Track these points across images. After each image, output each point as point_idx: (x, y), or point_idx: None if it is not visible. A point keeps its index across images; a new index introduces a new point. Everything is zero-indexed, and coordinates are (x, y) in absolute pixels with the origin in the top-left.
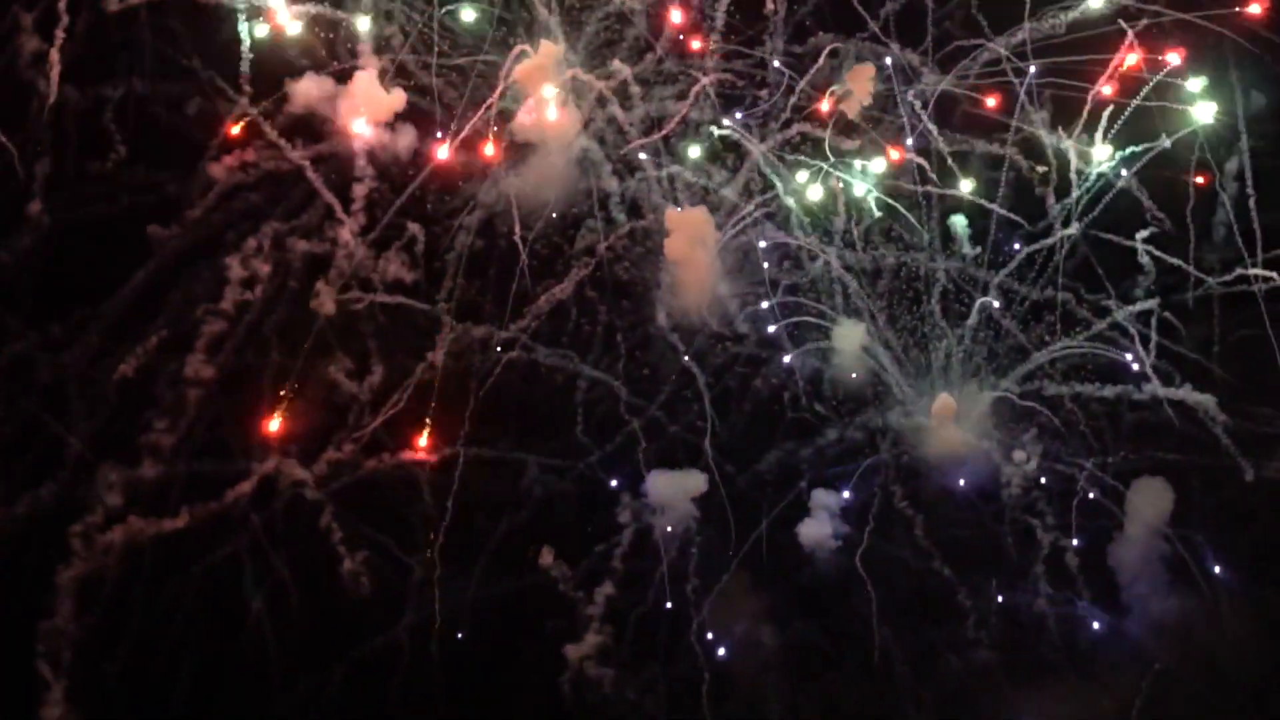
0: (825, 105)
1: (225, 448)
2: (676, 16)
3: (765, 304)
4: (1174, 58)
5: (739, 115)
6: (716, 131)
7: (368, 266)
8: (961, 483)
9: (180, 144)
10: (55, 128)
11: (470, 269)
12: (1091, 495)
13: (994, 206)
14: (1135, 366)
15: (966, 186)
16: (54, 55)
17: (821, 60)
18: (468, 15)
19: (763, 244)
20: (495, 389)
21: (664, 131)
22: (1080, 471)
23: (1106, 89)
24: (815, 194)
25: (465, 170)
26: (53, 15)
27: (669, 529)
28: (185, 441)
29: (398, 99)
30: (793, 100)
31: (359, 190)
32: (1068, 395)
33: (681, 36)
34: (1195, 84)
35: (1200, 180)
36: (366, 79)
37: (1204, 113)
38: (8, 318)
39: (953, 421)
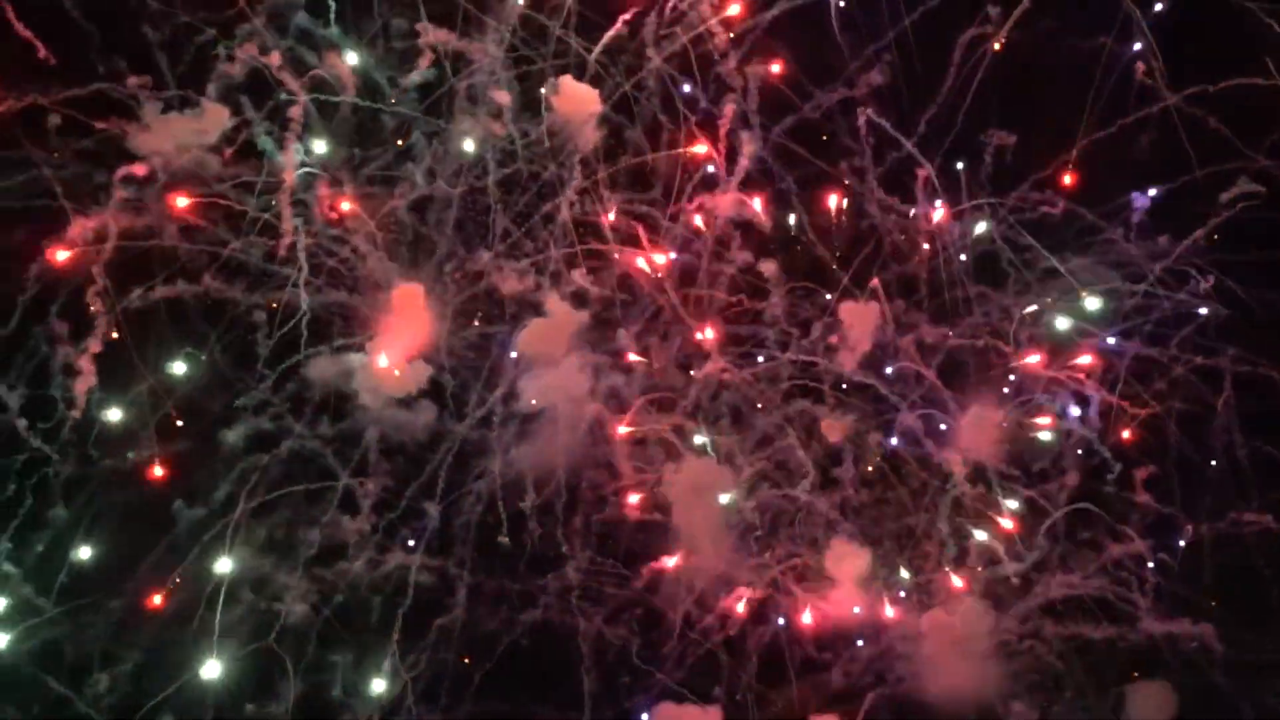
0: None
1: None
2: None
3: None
4: None
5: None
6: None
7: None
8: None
9: (203, 430)
10: (81, 429)
11: (480, 537)
12: None
13: (992, 463)
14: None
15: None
16: (83, 363)
17: (817, 330)
18: None
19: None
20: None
21: (671, 421)
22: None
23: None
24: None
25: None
26: (84, 322)
27: None
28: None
29: (417, 375)
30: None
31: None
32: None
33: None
34: None
35: None
36: (386, 357)
37: None
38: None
39: (951, 643)
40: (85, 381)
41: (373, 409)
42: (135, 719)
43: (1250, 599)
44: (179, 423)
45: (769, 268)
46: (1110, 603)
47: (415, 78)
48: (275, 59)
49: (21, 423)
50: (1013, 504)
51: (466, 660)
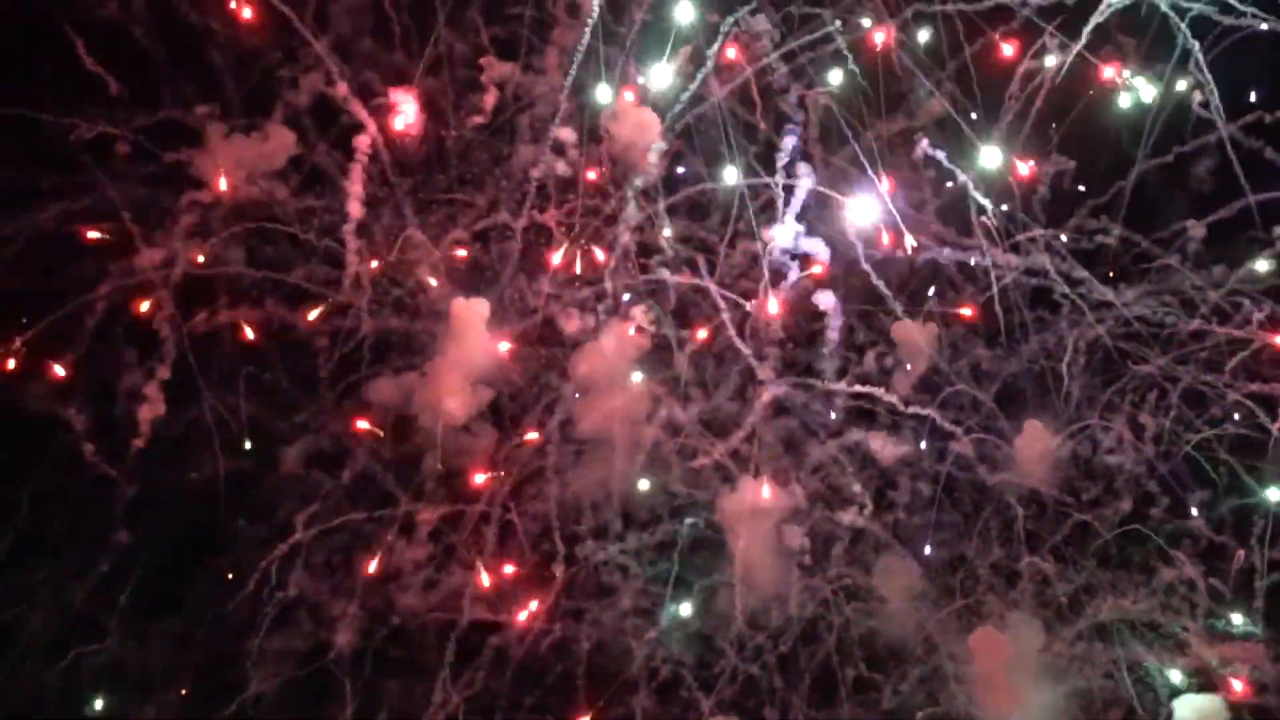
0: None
1: None
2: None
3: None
4: None
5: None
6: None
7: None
8: None
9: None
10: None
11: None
12: None
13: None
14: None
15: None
16: (150, 390)
17: (872, 359)
18: None
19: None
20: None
21: (730, 442)
22: None
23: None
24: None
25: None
26: (152, 345)
27: None
28: None
29: (480, 397)
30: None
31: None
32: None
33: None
34: None
35: None
36: (448, 382)
37: None
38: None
39: (1001, 662)
40: (152, 408)
41: (432, 431)
42: None
43: None
44: (242, 444)
45: (825, 298)
46: (1161, 625)
47: (479, 119)
48: (342, 89)
49: (88, 447)
50: None
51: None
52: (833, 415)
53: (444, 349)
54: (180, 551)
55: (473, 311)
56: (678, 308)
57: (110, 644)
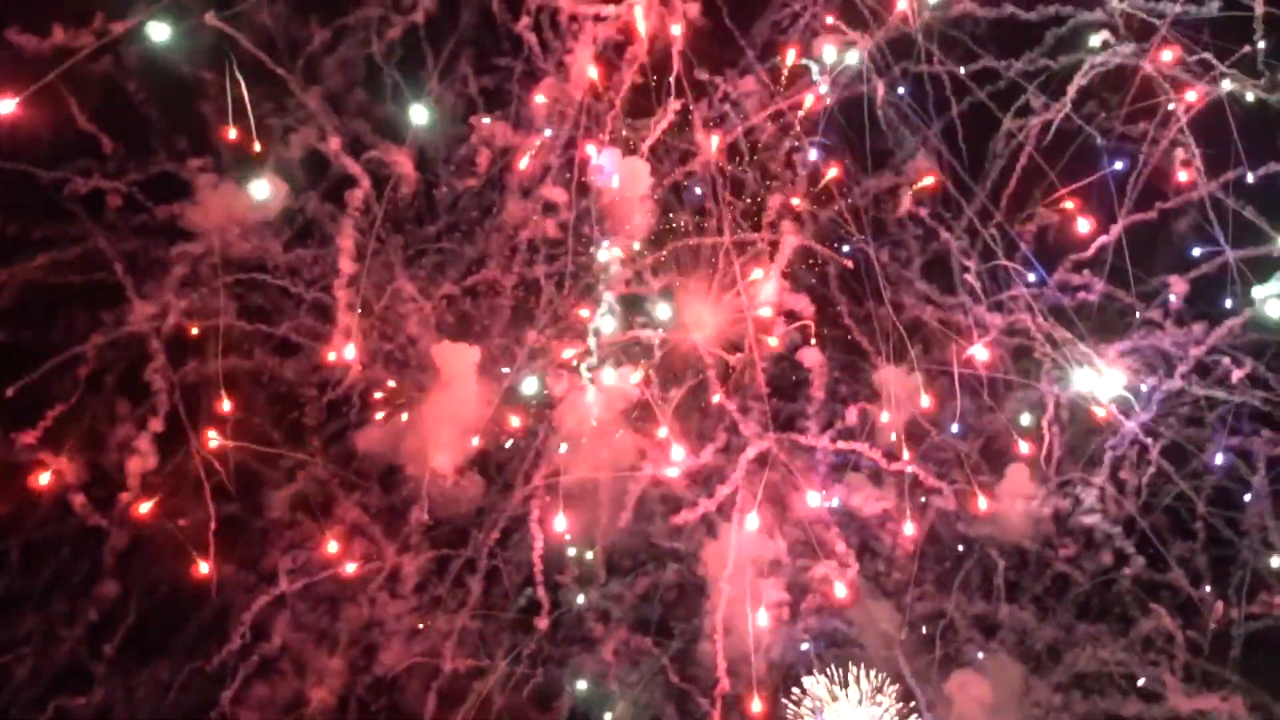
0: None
1: None
2: None
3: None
4: None
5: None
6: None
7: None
8: None
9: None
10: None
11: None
12: None
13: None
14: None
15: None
16: (142, 444)
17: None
18: None
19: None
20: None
21: (714, 501)
22: None
23: None
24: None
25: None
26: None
27: None
28: None
29: (466, 448)
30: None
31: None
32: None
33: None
34: None
35: None
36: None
37: None
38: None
39: (979, 704)
40: (143, 462)
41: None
42: None
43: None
44: (229, 491)
45: (811, 353)
46: (1139, 677)
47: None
48: (335, 144)
49: (79, 498)
50: None
51: None
52: (817, 468)
53: (432, 396)
54: (167, 601)
55: (461, 358)
56: (663, 362)
57: (96, 694)
